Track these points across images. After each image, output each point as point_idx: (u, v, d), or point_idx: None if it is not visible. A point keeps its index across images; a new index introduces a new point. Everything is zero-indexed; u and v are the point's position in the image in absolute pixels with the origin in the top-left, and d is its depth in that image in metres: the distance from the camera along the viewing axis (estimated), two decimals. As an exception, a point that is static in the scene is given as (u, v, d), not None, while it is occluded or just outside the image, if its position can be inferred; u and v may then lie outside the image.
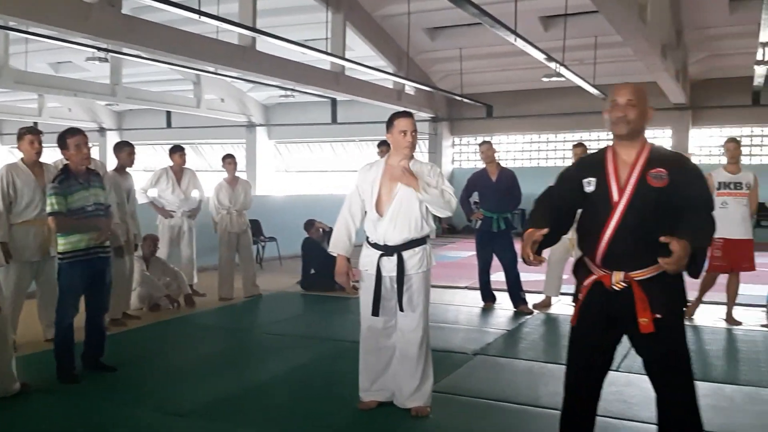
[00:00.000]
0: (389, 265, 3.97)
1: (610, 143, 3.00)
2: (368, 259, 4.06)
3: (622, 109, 2.86)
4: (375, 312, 4.00)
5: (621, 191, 2.85)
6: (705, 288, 6.75)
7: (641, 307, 2.76)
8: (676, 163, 2.90)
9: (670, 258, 2.59)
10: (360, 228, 4.13)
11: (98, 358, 4.92)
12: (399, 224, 3.95)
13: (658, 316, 2.77)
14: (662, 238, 2.61)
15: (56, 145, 4.72)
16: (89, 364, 4.88)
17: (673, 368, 2.87)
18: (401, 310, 3.98)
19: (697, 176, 2.89)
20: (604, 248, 2.84)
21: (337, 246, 4.15)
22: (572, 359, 3.04)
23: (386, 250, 3.98)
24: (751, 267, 6.56)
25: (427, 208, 3.99)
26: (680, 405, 2.90)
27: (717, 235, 6.02)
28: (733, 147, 6.70)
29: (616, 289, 2.83)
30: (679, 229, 2.66)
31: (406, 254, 3.97)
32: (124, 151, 6.56)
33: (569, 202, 3.02)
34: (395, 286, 3.97)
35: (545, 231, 2.84)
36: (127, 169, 6.64)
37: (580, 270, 3.05)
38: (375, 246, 4.03)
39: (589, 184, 2.94)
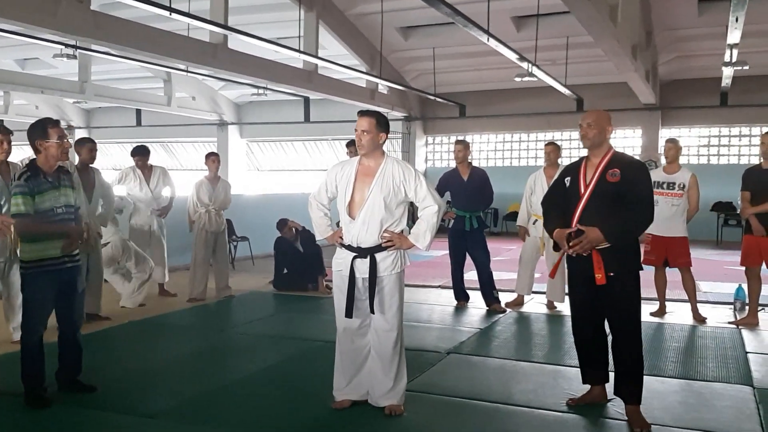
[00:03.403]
0: (362, 266, 3.97)
1: (580, 143, 4.12)
2: (341, 260, 4.06)
3: (584, 129, 3.99)
4: (348, 314, 4.00)
5: (586, 186, 3.94)
6: (659, 287, 6.89)
7: (597, 267, 3.83)
8: (629, 165, 3.96)
9: (580, 239, 3.81)
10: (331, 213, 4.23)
11: (75, 377, 4.44)
12: (371, 227, 3.95)
13: (611, 274, 3.81)
14: (579, 227, 3.84)
15: (27, 138, 4.29)
16: (65, 384, 4.41)
17: (624, 312, 3.90)
18: (372, 312, 3.99)
19: (642, 175, 3.91)
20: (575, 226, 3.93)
21: (323, 232, 4.22)
22: (572, 307, 4.20)
23: (359, 252, 3.98)
24: (687, 262, 6.70)
25: (401, 211, 4.01)
26: (627, 338, 3.91)
27: (647, 230, 6.30)
28: (667, 147, 6.82)
29: (584, 255, 3.87)
30: (613, 220, 3.79)
31: (379, 256, 3.97)
32: (85, 147, 6.43)
33: (559, 195, 4.13)
34: (368, 287, 3.96)
35: (572, 230, 3.92)
36: (93, 166, 6.53)
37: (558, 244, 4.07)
38: (348, 248, 4.02)
39: (568, 182, 4.07)
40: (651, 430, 3.79)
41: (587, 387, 4.24)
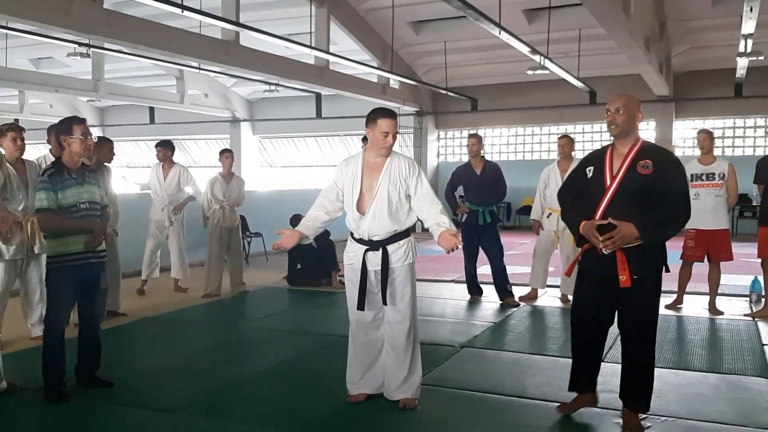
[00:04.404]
0: (375, 259, 3.99)
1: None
2: (353, 253, 4.07)
3: (612, 115, 3.61)
4: (360, 306, 4.02)
5: (613, 178, 3.57)
6: (683, 280, 6.79)
7: (621, 267, 3.46)
8: (661, 156, 3.58)
9: (612, 234, 3.41)
10: (332, 218, 4.17)
11: (93, 373, 4.49)
12: (382, 219, 3.96)
13: (635, 276, 3.45)
14: (611, 220, 3.45)
15: (54, 133, 4.34)
16: (83, 379, 4.46)
17: (641, 315, 3.57)
18: (385, 303, 4.00)
19: (677, 168, 3.54)
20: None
21: (303, 225, 4.14)
22: (576, 309, 3.86)
23: (371, 245, 3.99)
24: (728, 257, 6.58)
25: (409, 201, 4.02)
26: (639, 343, 3.61)
27: (689, 225, 6.12)
28: (702, 138, 6.67)
29: (606, 253, 3.48)
30: (647, 216, 3.42)
31: (390, 248, 3.98)
32: (106, 147, 6.48)
33: (580, 186, 3.76)
34: (380, 279, 3.98)
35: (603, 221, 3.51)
36: (107, 165, 6.58)
37: (582, 239, 3.68)
38: (360, 241, 4.04)
39: (590, 172, 3.69)
40: None
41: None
